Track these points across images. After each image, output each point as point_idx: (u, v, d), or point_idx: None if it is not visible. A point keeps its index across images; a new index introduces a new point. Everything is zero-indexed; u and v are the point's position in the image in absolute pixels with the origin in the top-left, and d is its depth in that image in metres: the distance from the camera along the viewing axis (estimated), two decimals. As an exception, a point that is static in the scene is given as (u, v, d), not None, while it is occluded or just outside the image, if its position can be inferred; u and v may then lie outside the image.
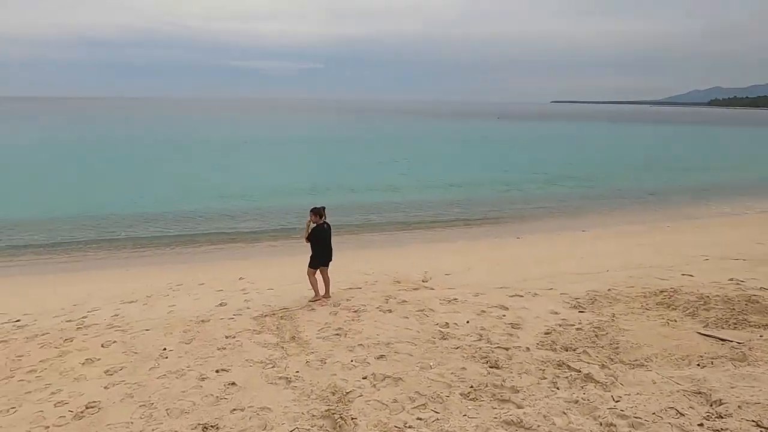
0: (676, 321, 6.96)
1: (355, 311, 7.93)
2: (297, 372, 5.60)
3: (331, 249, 8.76)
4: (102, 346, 6.86)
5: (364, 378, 5.38)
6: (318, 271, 8.71)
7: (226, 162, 35.76)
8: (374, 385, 5.21)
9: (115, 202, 21.33)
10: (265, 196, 22.97)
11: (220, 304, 8.74)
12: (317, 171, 32.16)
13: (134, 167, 32.78)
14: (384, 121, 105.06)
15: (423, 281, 9.94)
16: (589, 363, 5.57)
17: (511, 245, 15.48)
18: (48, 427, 4.70)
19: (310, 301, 8.56)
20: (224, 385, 5.35)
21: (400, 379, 5.30)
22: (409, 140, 56.60)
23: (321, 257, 8.63)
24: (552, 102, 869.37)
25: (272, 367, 5.78)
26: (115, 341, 7.01)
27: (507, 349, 6.04)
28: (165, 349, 6.58)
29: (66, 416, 4.87)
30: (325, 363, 5.83)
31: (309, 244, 8.62)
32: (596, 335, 6.44)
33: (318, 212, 8.52)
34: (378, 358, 5.92)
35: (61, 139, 52.24)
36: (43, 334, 7.55)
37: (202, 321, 7.75)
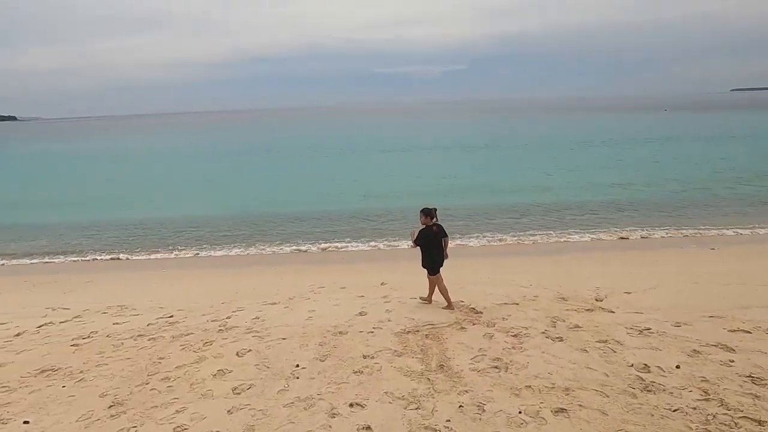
0: None
1: (515, 336, 6.49)
2: (447, 421, 4.35)
3: (442, 253, 7.73)
4: (237, 354, 6.42)
5: (541, 446, 3.95)
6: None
7: (373, 165, 36.20)
8: (557, 461, 3.75)
9: (268, 202, 22.70)
10: (409, 197, 22.30)
11: (360, 313, 7.92)
12: (463, 172, 30.66)
13: (285, 169, 34.82)
14: (533, 119, 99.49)
15: (597, 300, 8.06)
16: None
17: (704, 258, 12.44)
18: (161, 460, 4.13)
19: (443, 308, 7.92)
20: (357, 429, 4.32)
21: (598, 457, 3.76)
22: (561, 138, 52.23)
23: (431, 262, 7.70)
24: (732, 90, 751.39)
25: (416, 408, 4.61)
26: (250, 350, 6.54)
27: (761, 423, 4.06)
28: (298, 366, 5.87)
29: (182, 447, 4.27)
30: (484, 411, 4.50)
31: (419, 248, 7.80)
32: None
33: (428, 213, 7.58)
34: (556, 412, 4.41)
35: (249, 145, 58.42)
36: (187, 334, 7.42)
37: (340, 333, 7.00)
